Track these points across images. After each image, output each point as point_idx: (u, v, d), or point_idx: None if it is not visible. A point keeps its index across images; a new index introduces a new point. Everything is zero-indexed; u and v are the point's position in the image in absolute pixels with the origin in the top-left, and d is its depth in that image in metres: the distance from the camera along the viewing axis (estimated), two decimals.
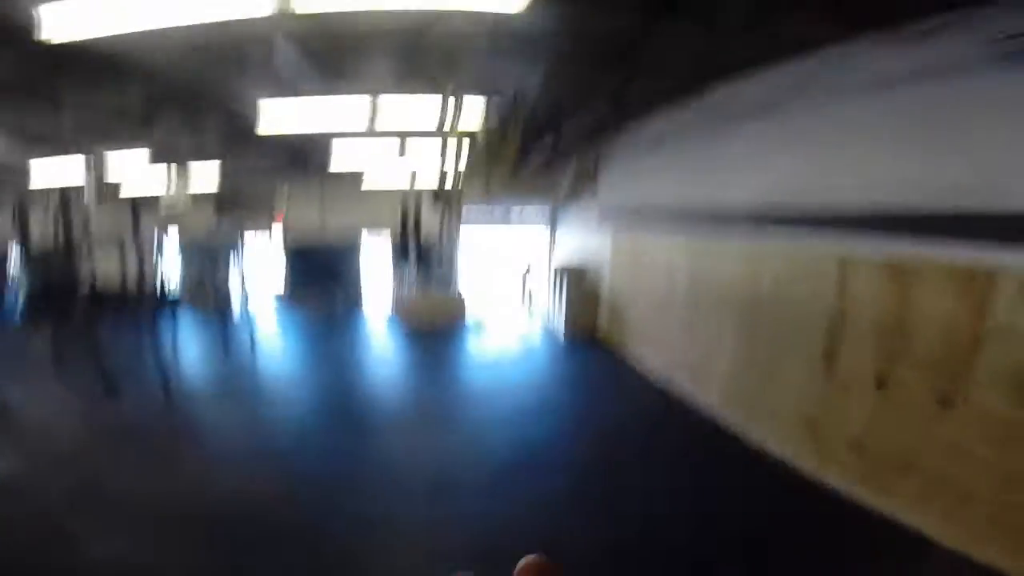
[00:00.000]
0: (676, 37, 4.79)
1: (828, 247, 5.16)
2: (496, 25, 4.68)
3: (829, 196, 5.15)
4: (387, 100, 7.02)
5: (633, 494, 5.03)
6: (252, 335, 11.05)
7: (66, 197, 7.14)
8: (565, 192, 13.05)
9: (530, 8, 3.45)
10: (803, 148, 5.52)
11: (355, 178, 13.55)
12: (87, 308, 6.79)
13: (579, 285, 11.83)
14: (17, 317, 10.50)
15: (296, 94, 6.85)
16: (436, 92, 5.69)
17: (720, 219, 6.87)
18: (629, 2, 4.55)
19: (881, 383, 4.56)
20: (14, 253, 9.93)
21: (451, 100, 5.89)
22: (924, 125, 4.23)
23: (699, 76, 6.19)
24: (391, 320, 13.19)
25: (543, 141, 9.59)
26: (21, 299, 8.45)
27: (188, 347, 10.60)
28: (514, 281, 15.53)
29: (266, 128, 6.89)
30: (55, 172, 9.96)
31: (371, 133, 9.66)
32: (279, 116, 6.89)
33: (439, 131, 6.30)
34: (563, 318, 11.39)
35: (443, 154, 8.17)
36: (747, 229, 6.34)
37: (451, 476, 5.44)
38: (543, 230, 15.11)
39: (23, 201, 8.20)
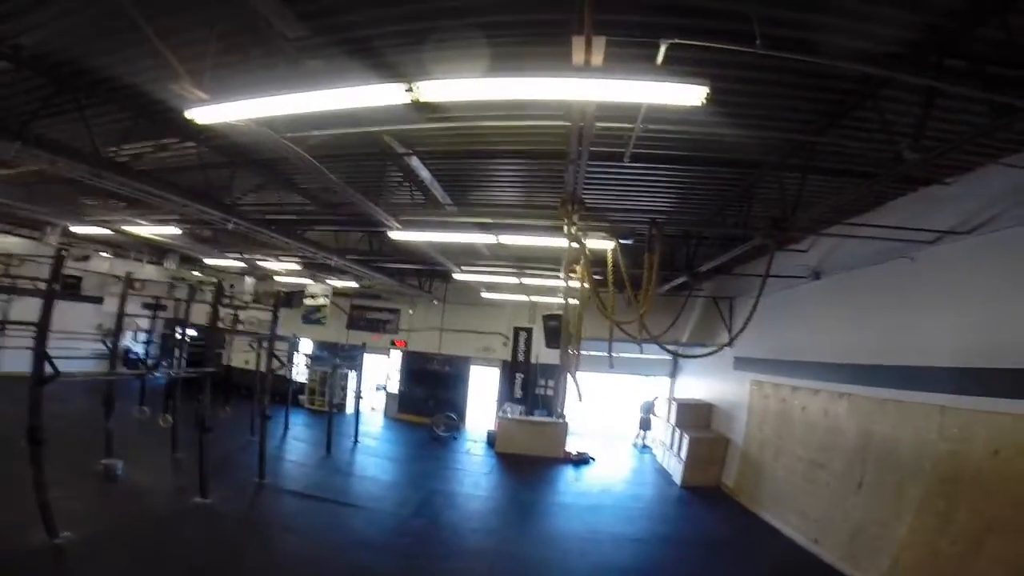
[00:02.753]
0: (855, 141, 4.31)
1: None
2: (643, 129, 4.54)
3: None
4: (514, 222, 7.17)
5: None
6: (356, 439, 11.35)
7: (220, 291, 7.89)
8: (691, 335, 12.11)
9: (703, 107, 3.11)
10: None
11: (473, 306, 14.42)
12: (218, 391, 7.11)
13: (703, 422, 10.45)
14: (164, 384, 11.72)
15: (427, 212, 7.30)
16: (564, 217, 5.47)
17: (907, 374, 5.69)
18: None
19: None
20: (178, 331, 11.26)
21: (579, 224, 5.64)
22: None
23: (877, 191, 5.42)
24: (491, 441, 12.47)
25: (677, 277, 9.05)
26: (172, 372, 9.17)
27: (297, 440, 11.06)
28: (630, 417, 14.16)
29: (399, 238, 7.26)
30: (220, 267, 11.63)
31: (495, 257, 10.15)
32: (412, 233, 7.30)
33: (565, 262, 6.03)
34: (683, 461, 9.85)
35: (566, 283, 7.75)
36: (949, 390, 5.11)
37: None
38: (664, 376, 14.40)
39: (192, 288, 9.30)
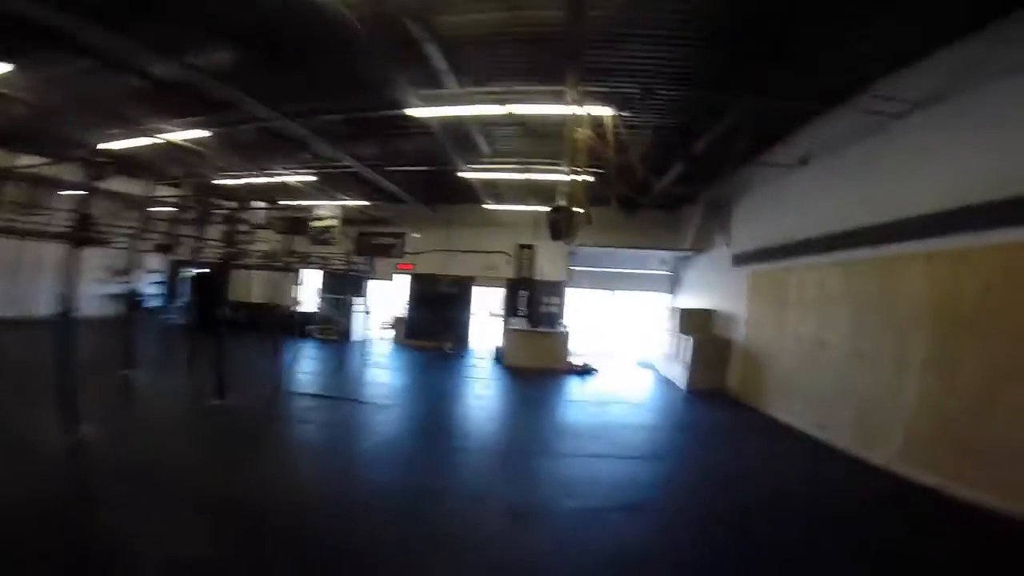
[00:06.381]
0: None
1: None
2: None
3: None
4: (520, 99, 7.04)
5: None
6: (365, 359, 11.72)
7: (233, 219, 7.89)
8: (692, 240, 12.09)
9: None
10: (996, 134, 4.64)
11: (477, 227, 14.80)
12: (230, 319, 7.51)
13: (705, 328, 10.66)
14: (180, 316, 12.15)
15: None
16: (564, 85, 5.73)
17: (897, 230, 5.76)
18: None
19: None
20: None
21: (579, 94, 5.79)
22: None
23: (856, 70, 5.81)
24: (498, 356, 12.85)
25: (672, 170, 9.00)
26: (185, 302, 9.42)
27: (310, 359, 11.40)
28: (630, 326, 14.71)
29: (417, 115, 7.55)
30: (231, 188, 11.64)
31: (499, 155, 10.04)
32: (429, 109, 7.34)
33: (567, 143, 6.14)
34: (686, 367, 10.08)
35: (566, 181, 7.60)
36: (933, 234, 5.21)
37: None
38: (664, 292, 14.52)
39: (203, 217, 9.17)
